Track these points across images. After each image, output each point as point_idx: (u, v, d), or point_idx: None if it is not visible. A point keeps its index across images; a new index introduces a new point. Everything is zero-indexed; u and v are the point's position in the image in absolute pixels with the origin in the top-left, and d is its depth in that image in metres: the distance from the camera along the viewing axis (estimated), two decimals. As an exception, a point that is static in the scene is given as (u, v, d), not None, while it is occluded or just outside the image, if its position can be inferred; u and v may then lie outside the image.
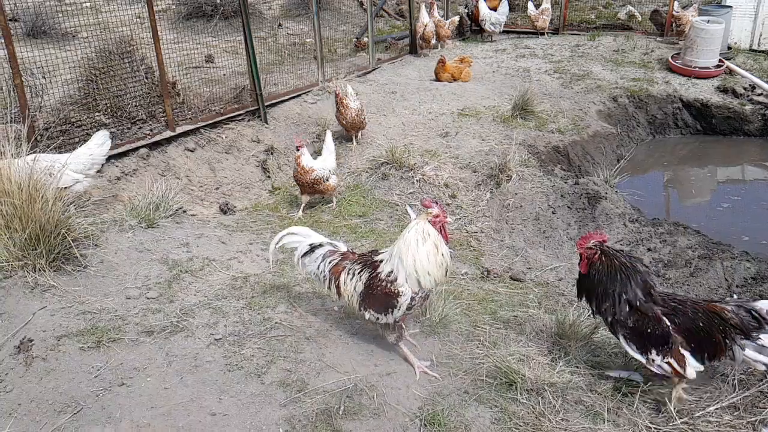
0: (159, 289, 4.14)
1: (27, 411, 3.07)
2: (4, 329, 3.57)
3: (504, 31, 12.71)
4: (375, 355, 3.63)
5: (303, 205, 5.98)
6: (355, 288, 3.48)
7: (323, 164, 5.94)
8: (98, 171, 4.95)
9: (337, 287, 3.58)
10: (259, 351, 3.58)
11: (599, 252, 3.33)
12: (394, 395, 3.29)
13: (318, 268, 3.68)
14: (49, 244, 4.06)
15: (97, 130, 5.84)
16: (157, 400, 3.19)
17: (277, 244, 3.82)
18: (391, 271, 3.31)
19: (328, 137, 6.21)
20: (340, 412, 3.13)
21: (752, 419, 3.21)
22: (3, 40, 5.09)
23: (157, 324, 3.76)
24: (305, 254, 3.74)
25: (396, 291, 3.29)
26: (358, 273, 3.49)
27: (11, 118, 5.12)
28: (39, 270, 3.99)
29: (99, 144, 5.04)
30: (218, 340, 3.67)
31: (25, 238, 3.99)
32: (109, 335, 3.59)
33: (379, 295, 3.35)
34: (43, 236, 4.02)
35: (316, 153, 7.24)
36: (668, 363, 3.18)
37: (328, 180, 5.91)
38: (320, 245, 3.75)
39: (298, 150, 5.85)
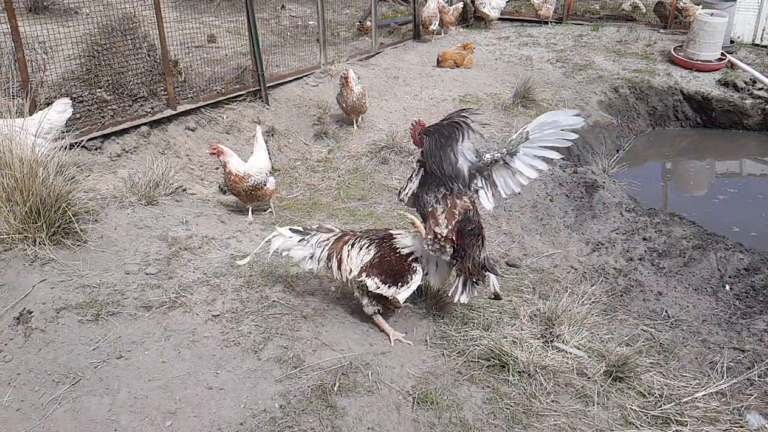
0: (158, 265, 4.18)
1: (26, 381, 3.12)
2: (3, 301, 3.61)
3: (507, 19, 12.67)
4: (370, 335, 3.68)
5: (250, 208, 5.39)
6: (361, 259, 3.64)
7: (258, 166, 5.23)
8: (56, 137, 4.89)
9: (339, 260, 3.70)
10: (257, 328, 3.63)
11: (422, 136, 3.61)
12: (388, 374, 3.34)
13: (316, 248, 3.78)
14: (49, 218, 4.08)
15: (97, 105, 5.85)
16: (155, 373, 3.24)
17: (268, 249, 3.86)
18: (412, 253, 3.60)
19: (259, 133, 5.49)
20: (335, 389, 3.18)
21: (738, 405, 3.28)
22: (6, 14, 5.08)
23: (156, 299, 3.80)
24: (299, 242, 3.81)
25: (413, 268, 3.58)
26: (366, 247, 3.65)
27: (13, 92, 5.11)
28: (39, 243, 4.02)
29: (59, 111, 5.00)
30: (216, 316, 3.72)
31: (26, 212, 4.01)
32: (108, 309, 3.63)
33: (393, 267, 3.57)
34: (43, 210, 4.05)
35: (316, 135, 7.27)
36: None
37: (266, 184, 5.27)
38: (309, 233, 3.84)
39: (219, 156, 5.09)
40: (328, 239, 3.78)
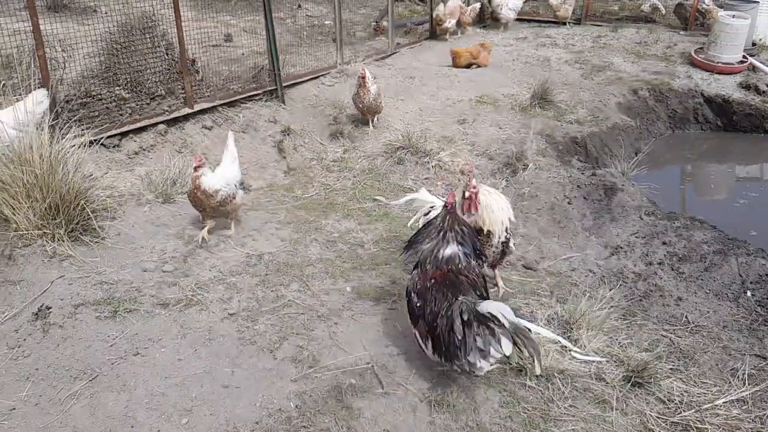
0: (174, 263, 4.19)
1: (44, 376, 3.15)
2: (22, 296, 3.65)
3: (525, 20, 12.60)
4: (386, 336, 3.66)
5: (207, 227, 4.65)
6: None
7: (227, 178, 4.63)
8: (36, 127, 4.78)
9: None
10: (272, 327, 3.63)
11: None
12: (404, 375, 3.32)
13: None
14: (68, 215, 4.12)
15: (115, 103, 5.88)
16: (171, 370, 3.25)
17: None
18: None
19: (230, 139, 4.93)
20: (351, 390, 3.17)
21: (760, 413, 3.22)
22: (27, 12, 5.12)
23: (172, 297, 3.82)
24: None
25: None
26: None
27: (34, 89, 5.14)
28: (58, 240, 4.06)
29: (37, 102, 4.95)
30: (232, 314, 3.73)
31: (45, 208, 4.05)
32: (125, 306, 3.66)
33: None
34: (62, 206, 4.09)
35: (332, 135, 7.26)
36: None
37: (234, 198, 4.65)
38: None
39: (196, 170, 4.44)
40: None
